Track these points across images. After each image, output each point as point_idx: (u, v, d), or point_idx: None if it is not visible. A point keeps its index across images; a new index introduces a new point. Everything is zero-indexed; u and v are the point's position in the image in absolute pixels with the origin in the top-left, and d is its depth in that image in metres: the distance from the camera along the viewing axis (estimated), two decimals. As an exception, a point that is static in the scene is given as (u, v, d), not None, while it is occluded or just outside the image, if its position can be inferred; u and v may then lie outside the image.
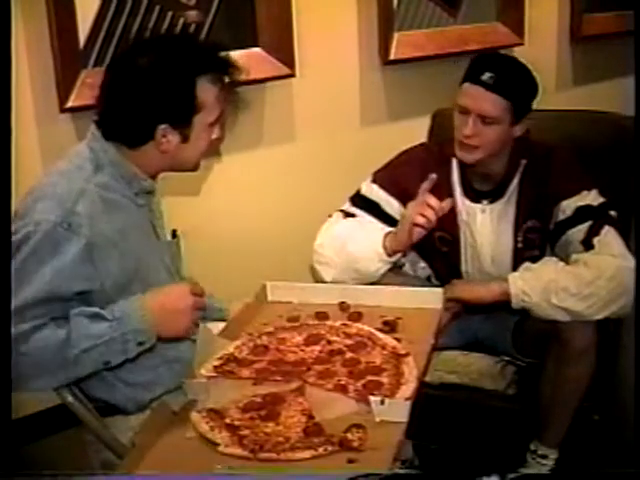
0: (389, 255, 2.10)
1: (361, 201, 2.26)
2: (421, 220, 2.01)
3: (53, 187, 1.66)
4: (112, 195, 1.71)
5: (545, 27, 3.53)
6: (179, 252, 1.94)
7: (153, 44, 1.81)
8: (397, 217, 2.19)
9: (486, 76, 2.05)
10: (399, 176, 2.24)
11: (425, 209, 2.00)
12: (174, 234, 1.92)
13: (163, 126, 1.69)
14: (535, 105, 2.15)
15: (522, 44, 3.29)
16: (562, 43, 3.66)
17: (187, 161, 1.78)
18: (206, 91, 1.70)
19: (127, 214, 1.73)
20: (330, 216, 2.28)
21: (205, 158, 1.83)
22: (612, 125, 2.42)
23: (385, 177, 2.26)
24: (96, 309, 1.62)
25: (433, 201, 2.01)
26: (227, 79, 1.75)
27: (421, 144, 2.35)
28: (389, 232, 2.12)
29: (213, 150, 1.82)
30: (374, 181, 2.26)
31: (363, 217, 2.24)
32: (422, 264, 2.33)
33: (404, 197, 2.19)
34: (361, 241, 2.13)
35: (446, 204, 2.03)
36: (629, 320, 1.96)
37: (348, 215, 2.25)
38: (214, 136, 1.77)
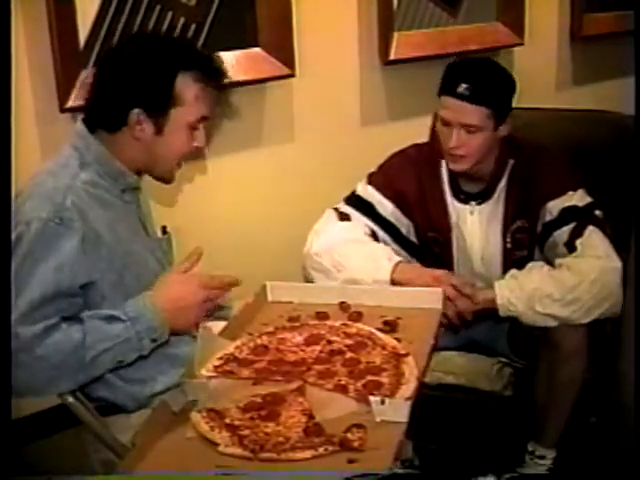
0: (393, 284, 2.09)
1: (356, 201, 2.27)
2: (450, 293, 2.02)
3: (39, 186, 1.67)
4: (98, 192, 1.71)
5: (545, 27, 3.52)
6: (171, 248, 1.95)
7: (144, 36, 1.83)
8: (390, 219, 2.24)
9: (462, 88, 2.05)
10: (393, 178, 2.26)
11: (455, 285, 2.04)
12: (164, 231, 1.93)
13: (137, 110, 1.69)
14: (535, 105, 2.14)
15: (522, 44, 3.28)
16: (562, 43, 3.65)
17: (161, 158, 1.76)
18: (186, 86, 1.71)
19: (114, 210, 1.74)
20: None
21: (185, 160, 1.83)
22: (612, 125, 2.42)
23: (380, 179, 2.28)
24: (109, 311, 1.64)
25: (467, 289, 2.06)
26: (212, 81, 1.75)
27: (413, 145, 2.36)
28: (399, 262, 2.11)
29: (192, 157, 1.83)
30: (369, 182, 2.28)
31: (358, 219, 2.24)
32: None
33: (398, 199, 2.25)
34: (366, 269, 2.10)
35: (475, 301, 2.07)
36: (627, 321, 1.96)
37: (342, 215, 2.25)
38: (195, 143, 1.77)
